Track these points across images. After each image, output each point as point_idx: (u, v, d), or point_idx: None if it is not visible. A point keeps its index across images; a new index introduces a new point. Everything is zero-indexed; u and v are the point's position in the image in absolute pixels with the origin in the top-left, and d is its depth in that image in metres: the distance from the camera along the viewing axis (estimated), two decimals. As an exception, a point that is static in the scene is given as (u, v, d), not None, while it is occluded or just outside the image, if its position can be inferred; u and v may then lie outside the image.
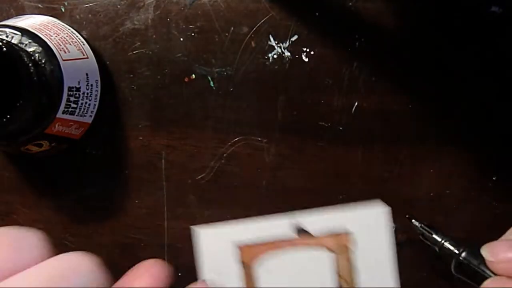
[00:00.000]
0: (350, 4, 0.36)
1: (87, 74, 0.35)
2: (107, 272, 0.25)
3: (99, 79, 0.36)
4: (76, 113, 0.34)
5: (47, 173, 0.38)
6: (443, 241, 0.34)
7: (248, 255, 0.37)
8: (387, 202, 0.37)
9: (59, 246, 0.39)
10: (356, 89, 0.36)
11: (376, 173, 0.37)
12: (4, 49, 0.30)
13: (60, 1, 0.37)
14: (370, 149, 0.36)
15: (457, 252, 0.33)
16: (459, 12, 0.36)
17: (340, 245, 0.37)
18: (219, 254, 0.37)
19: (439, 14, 0.36)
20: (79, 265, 0.23)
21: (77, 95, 0.34)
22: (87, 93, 0.35)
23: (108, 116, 0.38)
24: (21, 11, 0.37)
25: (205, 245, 0.37)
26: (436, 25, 0.36)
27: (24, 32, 0.32)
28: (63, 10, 0.37)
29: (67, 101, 0.33)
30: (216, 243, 0.37)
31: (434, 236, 0.34)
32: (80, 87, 0.34)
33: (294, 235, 0.37)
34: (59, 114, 0.33)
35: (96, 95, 0.36)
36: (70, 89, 0.33)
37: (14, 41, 0.32)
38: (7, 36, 0.32)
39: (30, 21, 0.34)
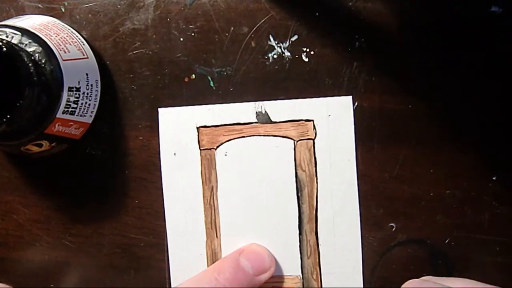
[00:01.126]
0: (350, 4, 0.36)
1: (87, 74, 0.35)
2: None
3: (99, 79, 0.36)
4: (76, 113, 0.34)
5: (47, 173, 0.38)
6: None
7: (207, 137, 0.37)
8: (387, 202, 0.37)
9: (59, 246, 0.39)
10: (356, 89, 0.36)
11: (376, 173, 0.37)
12: (4, 49, 0.30)
13: (60, 1, 0.37)
14: (370, 149, 0.36)
15: None
16: (459, 12, 0.36)
17: (301, 133, 0.37)
18: (179, 135, 0.37)
19: (439, 14, 0.36)
20: None
21: (77, 95, 0.34)
22: (87, 93, 0.35)
23: (108, 116, 0.38)
24: (21, 11, 0.37)
25: (165, 124, 0.37)
26: (436, 25, 0.36)
27: (24, 32, 0.32)
28: (63, 10, 0.37)
29: (67, 101, 0.33)
30: (177, 124, 0.37)
31: None
32: (80, 87, 0.34)
33: (255, 120, 0.37)
34: (59, 114, 0.33)
35: (96, 95, 0.36)
36: (70, 89, 0.33)
37: (14, 41, 0.32)
38: (7, 36, 0.32)
39: (30, 21, 0.34)
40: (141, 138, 0.38)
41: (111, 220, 0.38)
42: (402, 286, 0.34)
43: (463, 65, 0.36)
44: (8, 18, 0.37)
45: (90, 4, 0.37)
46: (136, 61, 0.37)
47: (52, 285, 0.39)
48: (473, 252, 0.36)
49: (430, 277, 0.35)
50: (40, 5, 0.37)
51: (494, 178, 0.36)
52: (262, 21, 0.37)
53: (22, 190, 0.38)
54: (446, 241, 0.36)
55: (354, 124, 0.36)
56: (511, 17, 0.35)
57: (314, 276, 0.37)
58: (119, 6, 0.37)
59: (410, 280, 0.34)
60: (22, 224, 0.39)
